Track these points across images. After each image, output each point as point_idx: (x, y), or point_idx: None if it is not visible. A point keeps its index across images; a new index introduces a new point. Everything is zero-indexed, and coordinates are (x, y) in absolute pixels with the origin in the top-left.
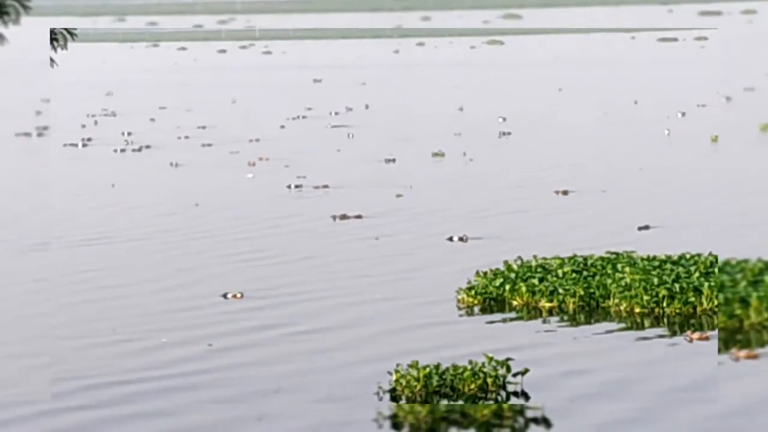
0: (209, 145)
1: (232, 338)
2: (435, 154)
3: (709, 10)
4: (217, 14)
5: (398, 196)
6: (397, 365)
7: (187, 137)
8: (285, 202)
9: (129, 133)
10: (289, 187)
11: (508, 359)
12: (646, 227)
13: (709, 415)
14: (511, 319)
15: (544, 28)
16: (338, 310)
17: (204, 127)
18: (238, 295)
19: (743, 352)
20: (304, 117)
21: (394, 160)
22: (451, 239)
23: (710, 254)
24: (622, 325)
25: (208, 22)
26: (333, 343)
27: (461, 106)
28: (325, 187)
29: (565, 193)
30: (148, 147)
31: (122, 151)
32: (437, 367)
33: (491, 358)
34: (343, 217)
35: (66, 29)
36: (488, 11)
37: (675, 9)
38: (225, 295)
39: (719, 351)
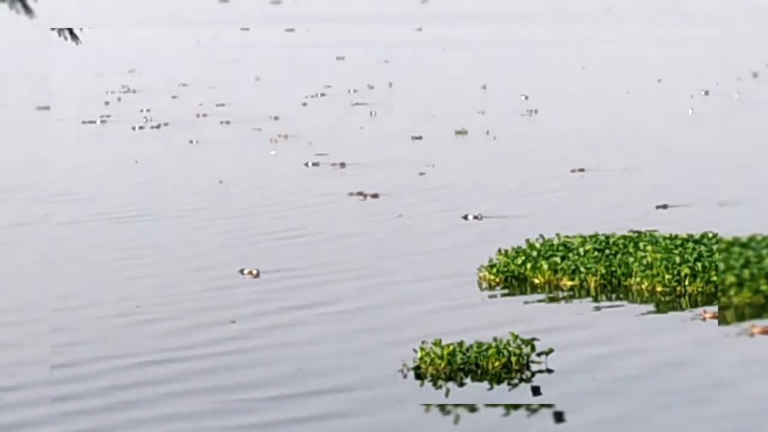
0: (229, 122)
1: (256, 318)
2: (458, 132)
3: None
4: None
5: (421, 174)
6: (422, 343)
7: (205, 115)
8: (307, 179)
9: (148, 110)
10: (306, 164)
11: (533, 339)
12: (665, 206)
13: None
14: (538, 301)
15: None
16: (358, 289)
17: (225, 105)
18: (254, 272)
19: (758, 328)
20: (325, 95)
21: (420, 138)
22: (465, 217)
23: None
24: (645, 305)
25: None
26: (356, 321)
27: (484, 84)
28: (342, 165)
29: (582, 170)
30: (166, 124)
31: (140, 128)
32: (461, 344)
33: (516, 336)
34: (360, 194)
35: (70, 31)
36: None
37: None
38: (242, 271)
39: (722, 323)
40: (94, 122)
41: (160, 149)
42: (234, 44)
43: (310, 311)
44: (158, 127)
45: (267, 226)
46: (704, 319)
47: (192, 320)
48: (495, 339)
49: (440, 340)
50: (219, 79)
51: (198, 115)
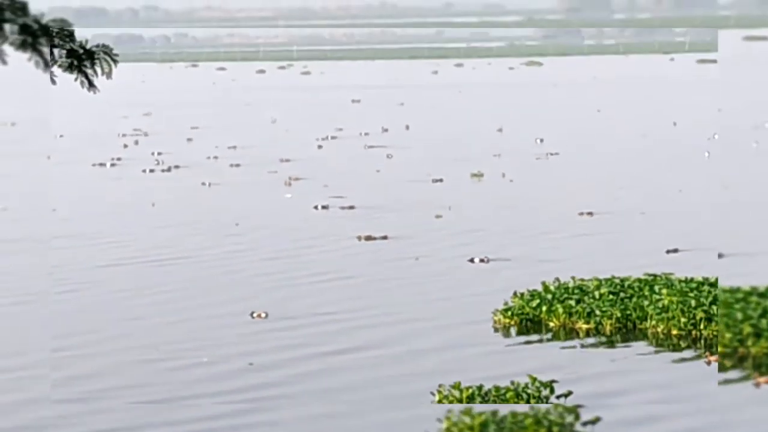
0: (239, 165)
1: (270, 357)
2: (474, 175)
3: (753, 35)
4: (276, 61)
5: (438, 216)
6: (440, 386)
7: (216, 157)
8: (321, 222)
9: (159, 153)
10: (316, 207)
11: (552, 381)
12: (675, 250)
13: None
14: (548, 340)
15: (581, 47)
16: (372, 330)
17: (241, 147)
18: (263, 315)
19: (765, 378)
20: (340, 138)
21: (441, 180)
22: (472, 260)
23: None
24: (660, 347)
25: (269, 68)
26: (373, 363)
27: (500, 127)
28: (351, 208)
29: (590, 214)
30: (177, 167)
31: (151, 171)
32: (480, 388)
33: (534, 379)
34: (369, 238)
35: (108, 53)
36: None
37: (720, 33)
38: (252, 315)
39: (723, 369)
40: (105, 165)
41: (174, 192)
42: (250, 86)
43: (335, 358)
44: (169, 170)
45: (283, 269)
46: (709, 363)
47: (211, 359)
48: (532, 408)
49: (459, 383)
50: (233, 122)
51: (209, 158)
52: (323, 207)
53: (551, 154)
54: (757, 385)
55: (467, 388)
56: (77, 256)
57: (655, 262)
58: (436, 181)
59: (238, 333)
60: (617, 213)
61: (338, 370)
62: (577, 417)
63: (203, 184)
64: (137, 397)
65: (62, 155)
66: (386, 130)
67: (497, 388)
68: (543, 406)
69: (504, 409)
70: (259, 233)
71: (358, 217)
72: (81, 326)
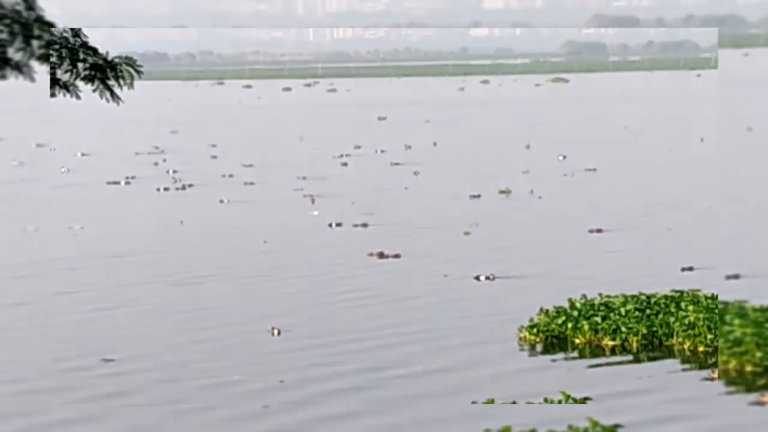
0: (269, 182)
1: (300, 375)
2: (502, 192)
3: None
4: (302, 78)
5: (466, 233)
6: (486, 430)
7: (231, 175)
8: (348, 239)
9: (175, 171)
10: (339, 225)
11: (616, 425)
12: (690, 269)
13: None
14: (574, 358)
15: (606, 63)
16: (398, 348)
17: (268, 164)
18: (276, 330)
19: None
20: (366, 155)
21: (469, 197)
22: (477, 278)
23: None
24: (687, 364)
25: (295, 86)
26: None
27: (528, 144)
28: (378, 225)
29: (599, 230)
30: (191, 185)
31: (165, 189)
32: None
33: (596, 423)
34: (381, 255)
35: (131, 64)
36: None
37: (750, 52)
38: (272, 331)
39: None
40: (129, 183)
41: (201, 209)
42: (277, 104)
43: (367, 376)
44: (183, 188)
45: (312, 288)
46: (713, 380)
47: (242, 377)
48: (570, 427)
49: (509, 428)
50: (260, 139)
51: (224, 176)
52: (353, 225)
53: (589, 170)
54: (713, 380)
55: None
56: (109, 276)
57: (677, 279)
58: (464, 197)
59: (269, 351)
60: (645, 229)
61: (366, 390)
62: None
63: (221, 201)
64: (167, 413)
65: (93, 174)
66: (410, 147)
67: (530, 404)
68: (582, 425)
69: (542, 429)
70: (288, 251)
71: (386, 235)
72: (118, 344)
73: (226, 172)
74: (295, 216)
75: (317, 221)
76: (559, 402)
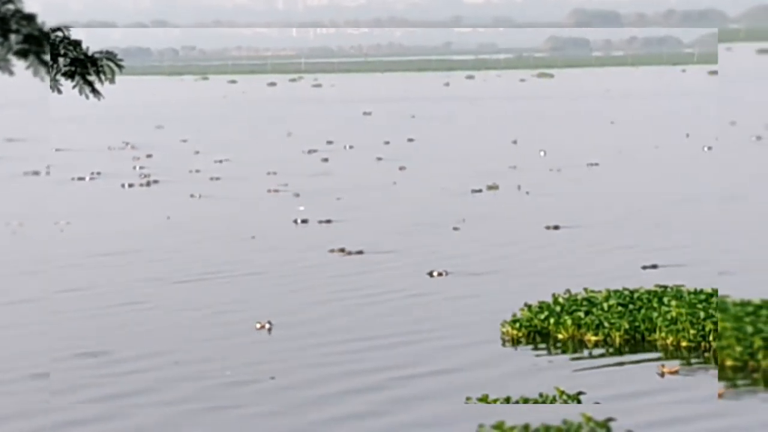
0: (219, 178)
1: (295, 374)
2: (489, 187)
3: (765, 49)
4: (285, 73)
5: (455, 228)
6: (480, 426)
7: (198, 171)
8: (331, 234)
9: (141, 167)
10: (329, 221)
11: (609, 419)
12: (654, 266)
13: None
14: (556, 353)
15: (589, 58)
16: (386, 346)
17: (255, 161)
18: (266, 325)
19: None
20: (353, 149)
21: (456, 193)
22: (431, 274)
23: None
24: (670, 359)
25: (280, 81)
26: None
27: (515, 139)
28: (364, 220)
29: (557, 227)
30: (156, 182)
31: (130, 185)
32: (526, 428)
33: (589, 419)
34: (342, 251)
35: (112, 59)
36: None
37: (732, 47)
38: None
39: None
40: (84, 179)
41: (191, 206)
42: (263, 99)
43: (366, 377)
44: (148, 184)
45: (289, 284)
46: (663, 375)
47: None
48: (565, 422)
49: (503, 423)
50: (248, 136)
51: (191, 171)
52: (331, 220)
53: (591, 165)
54: (662, 375)
55: (512, 428)
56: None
57: (667, 274)
58: (452, 193)
59: (264, 349)
60: (632, 224)
61: (365, 392)
62: (609, 430)
63: (202, 196)
64: (170, 407)
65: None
66: (395, 143)
67: (546, 428)
68: (575, 420)
69: (536, 423)
70: (274, 247)
71: (370, 231)
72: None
73: (195, 167)
74: (283, 212)
75: (280, 216)
76: (554, 398)
